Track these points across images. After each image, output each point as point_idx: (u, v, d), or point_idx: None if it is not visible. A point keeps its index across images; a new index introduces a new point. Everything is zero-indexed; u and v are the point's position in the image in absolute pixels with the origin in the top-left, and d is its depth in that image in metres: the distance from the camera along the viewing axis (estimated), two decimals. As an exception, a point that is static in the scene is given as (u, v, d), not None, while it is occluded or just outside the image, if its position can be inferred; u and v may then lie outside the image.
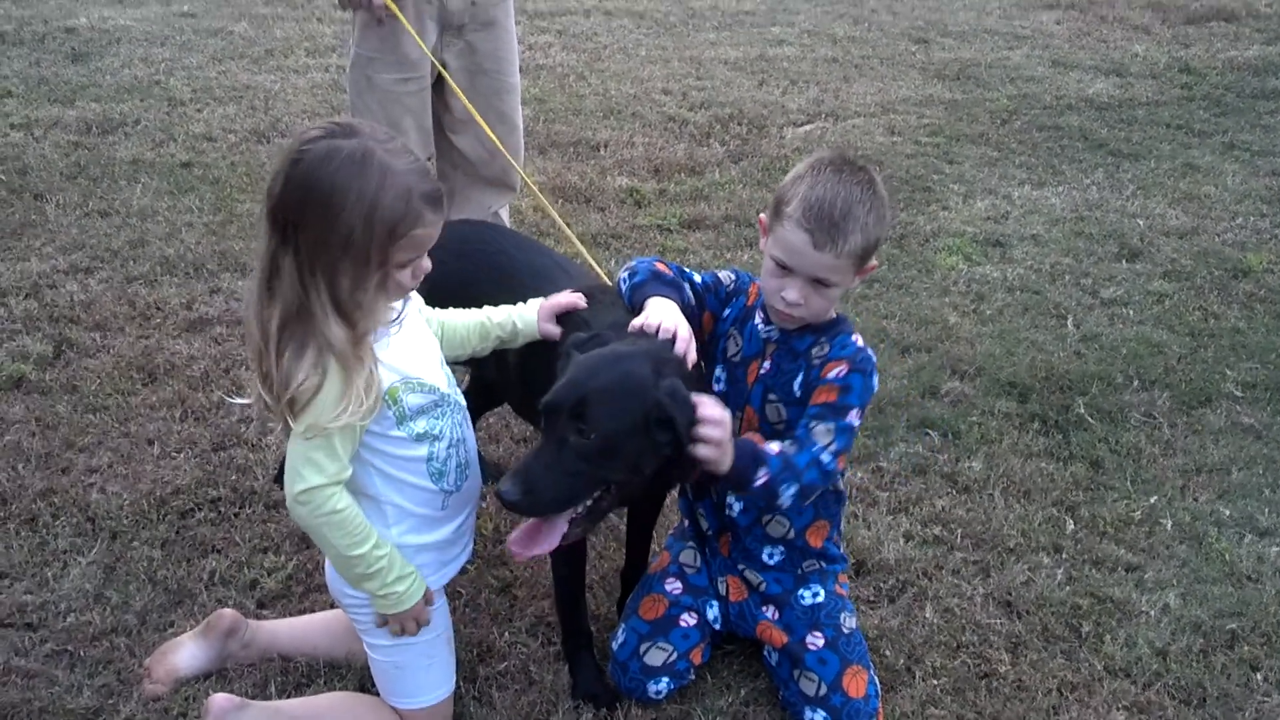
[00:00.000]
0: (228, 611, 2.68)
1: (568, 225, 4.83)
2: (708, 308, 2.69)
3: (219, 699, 2.38)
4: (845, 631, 2.67)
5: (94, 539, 3.05)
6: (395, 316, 2.26)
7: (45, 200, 4.95)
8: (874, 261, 2.52)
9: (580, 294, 2.58)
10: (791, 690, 2.63)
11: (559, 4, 8.65)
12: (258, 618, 2.81)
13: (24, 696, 2.56)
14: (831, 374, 2.50)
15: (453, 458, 2.38)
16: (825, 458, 2.44)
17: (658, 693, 2.64)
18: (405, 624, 2.36)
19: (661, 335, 2.40)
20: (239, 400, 2.37)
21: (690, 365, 2.41)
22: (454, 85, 3.66)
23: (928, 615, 2.94)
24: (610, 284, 2.77)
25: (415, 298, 2.41)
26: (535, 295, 2.61)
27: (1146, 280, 4.77)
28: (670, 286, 2.56)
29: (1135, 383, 3.98)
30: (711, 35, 8.19)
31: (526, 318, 2.57)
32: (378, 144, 2.07)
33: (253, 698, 2.59)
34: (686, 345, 2.42)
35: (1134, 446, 3.65)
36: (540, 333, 2.57)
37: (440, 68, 3.64)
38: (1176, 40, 8.50)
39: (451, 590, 2.93)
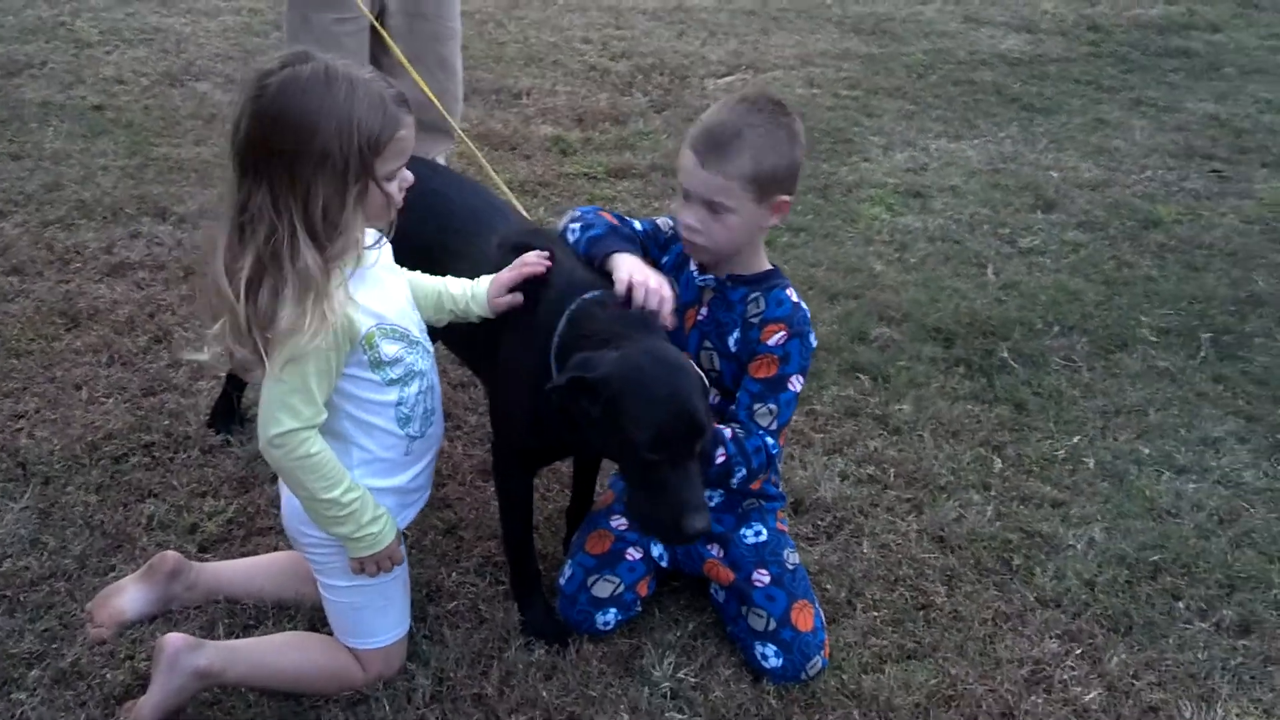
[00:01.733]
0: (170, 554, 2.64)
1: (496, 173, 4.82)
2: (648, 255, 2.71)
3: (173, 638, 2.34)
4: (789, 567, 2.73)
5: (25, 484, 2.99)
6: (371, 245, 2.23)
7: (-49, 143, 4.79)
8: (783, 196, 2.54)
9: (539, 254, 2.49)
10: (740, 626, 2.68)
11: (474, -50, 8.53)
12: (200, 561, 2.78)
13: (-40, 643, 2.52)
14: (771, 340, 2.57)
15: (420, 404, 2.37)
16: (770, 441, 2.56)
17: (606, 624, 2.68)
18: (380, 564, 2.36)
19: (649, 304, 2.41)
20: (195, 357, 2.33)
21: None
22: (386, 35, 3.61)
23: (865, 550, 3.02)
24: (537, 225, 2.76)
25: (385, 243, 2.38)
26: (470, 237, 2.58)
27: (1062, 230, 4.90)
28: (629, 241, 2.59)
29: (1055, 328, 4.10)
30: (626, -13, 8.15)
31: (479, 297, 2.50)
32: (330, 62, 2.07)
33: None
34: (670, 308, 2.46)
35: (1055, 389, 3.77)
36: (492, 309, 2.50)
37: (370, 17, 3.58)
38: (1082, -4, 8.68)
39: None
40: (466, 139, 3.68)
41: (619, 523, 2.79)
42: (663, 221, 2.78)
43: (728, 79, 6.46)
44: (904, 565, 2.98)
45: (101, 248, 4.12)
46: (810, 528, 3.11)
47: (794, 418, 3.48)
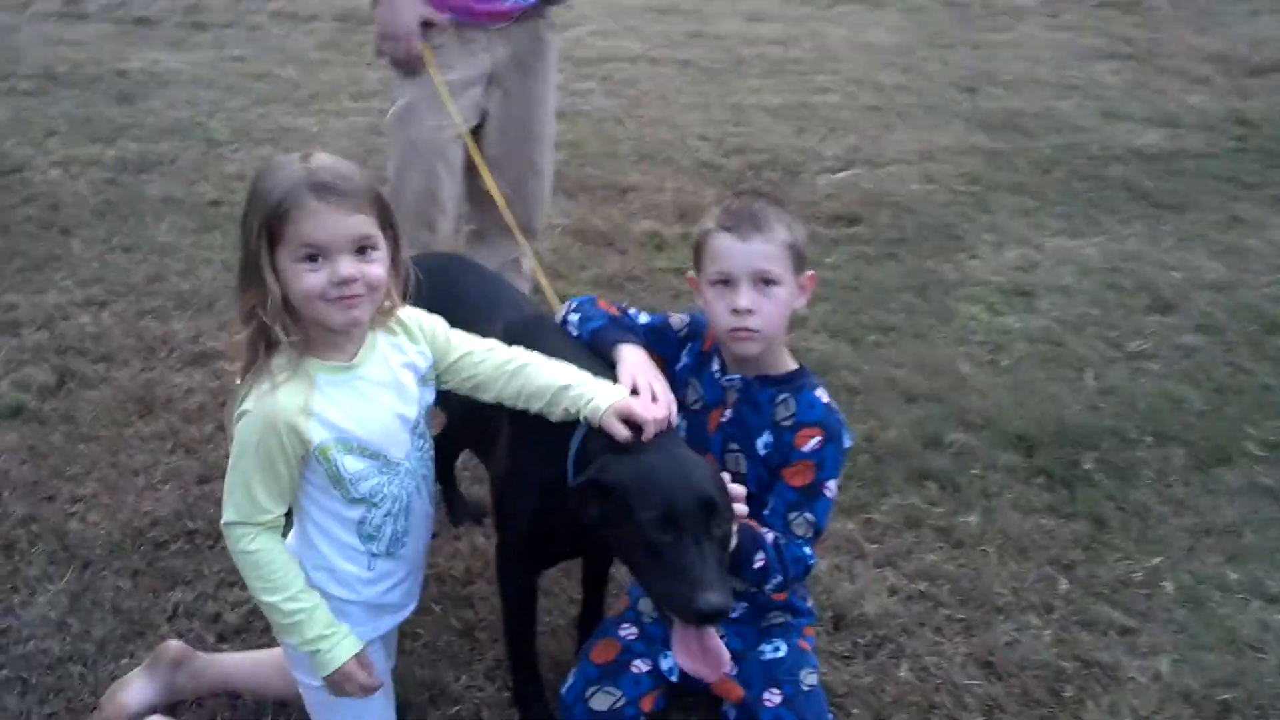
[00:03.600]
0: (174, 642, 2.65)
1: (582, 267, 4.83)
2: (654, 351, 2.63)
3: None
4: (805, 689, 2.57)
5: (66, 567, 3.05)
6: (342, 357, 2.19)
7: (71, 235, 5.03)
8: (810, 272, 2.55)
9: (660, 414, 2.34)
10: (745, 747, 2.54)
11: (607, 52, 8.68)
12: (216, 650, 2.79)
13: (-34, 724, 2.56)
14: (806, 447, 2.47)
15: (388, 525, 2.29)
16: (808, 551, 2.46)
17: None
18: (337, 685, 2.27)
19: (656, 415, 2.31)
20: None
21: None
22: (471, 142, 3.65)
23: (902, 674, 2.83)
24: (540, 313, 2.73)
25: (400, 342, 2.31)
26: (475, 322, 2.49)
27: (1176, 334, 4.61)
28: (631, 332, 2.55)
29: (1150, 438, 3.83)
30: (755, 83, 8.14)
31: (593, 411, 2.30)
32: (299, 154, 2.11)
33: (197, 735, 2.57)
34: (672, 408, 2.39)
35: (1142, 504, 3.51)
36: (604, 426, 2.29)
37: (461, 124, 3.62)
38: (1236, 92, 8.29)
39: (411, 631, 2.90)
40: (520, 238, 3.66)
41: (628, 632, 2.69)
42: (676, 319, 2.70)
43: (840, 174, 6.35)
44: (942, 691, 2.78)
45: (189, 338, 4.25)
46: (848, 646, 2.93)
47: (848, 526, 3.34)
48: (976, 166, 6.56)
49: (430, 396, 2.36)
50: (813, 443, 2.47)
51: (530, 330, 2.54)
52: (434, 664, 2.82)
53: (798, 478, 2.48)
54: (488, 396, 2.39)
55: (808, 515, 2.47)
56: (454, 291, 2.77)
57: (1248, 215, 5.92)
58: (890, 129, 7.24)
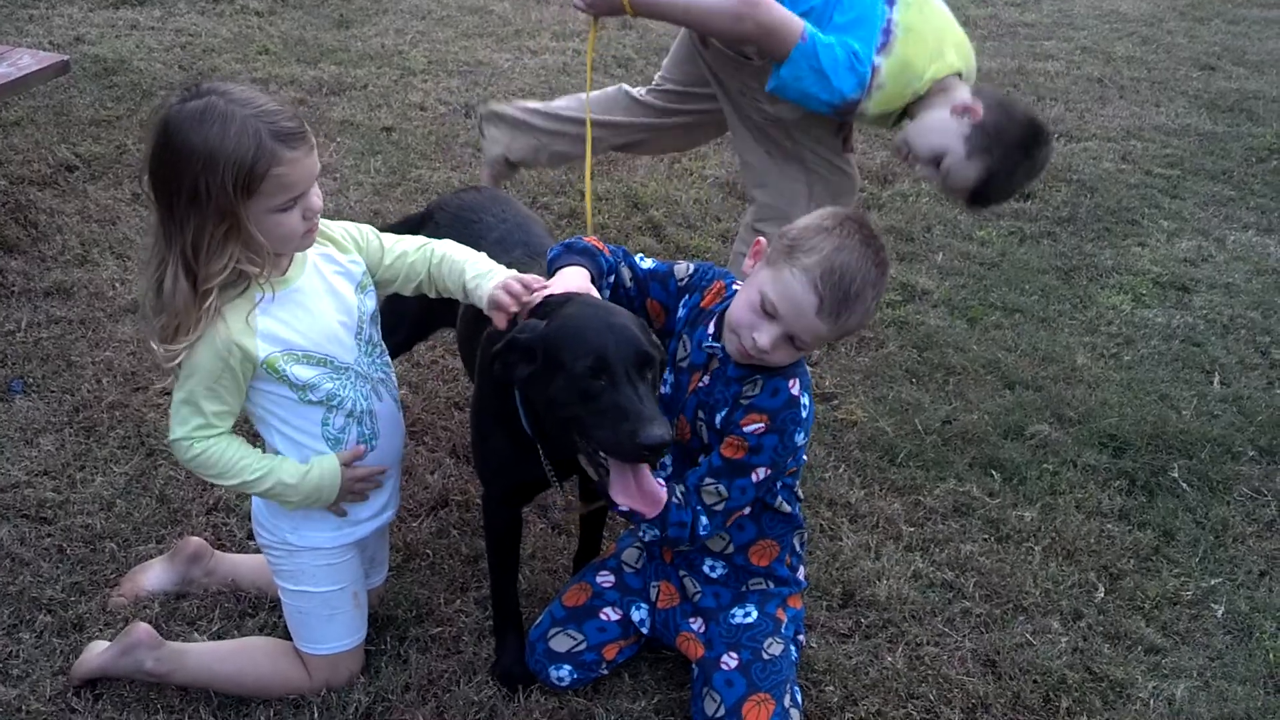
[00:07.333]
0: (194, 539, 2.84)
1: (717, 219, 4.79)
2: (651, 295, 2.60)
3: (141, 630, 2.51)
4: (765, 657, 2.52)
5: (133, 453, 3.28)
6: (276, 273, 2.25)
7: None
8: None
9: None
10: (696, 707, 2.52)
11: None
12: (241, 548, 2.97)
13: (5, 580, 2.81)
14: (747, 428, 2.41)
15: (352, 427, 2.39)
16: (703, 520, 2.41)
17: (560, 679, 2.59)
18: (352, 493, 2.42)
19: None
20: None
21: None
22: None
23: (892, 659, 2.74)
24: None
25: (329, 252, 2.39)
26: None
27: (1338, 348, 4.21)
28: (584, 255, 2.52)
29: (1255, 453, 3.53)
30: (974, 45, 7.78)
31: (481, 295, 2.42)
32: (220, 96, 2.10)
33: (199, 617, 2.75)
34: None
35: (1222, 522, 3.25)
36: (485, 308, 2.42)
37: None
38: None
39: (421, 552, 3.01)
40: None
41: (605, 579, 2.71)
42: (680, 267, 2.62)
43: (1029, 147, 6.02)
44: (928, 682, 2.69)
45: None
46: (850, 624, 2.86)
47: (894, 506, 3.25)
48: (1184, 149, 6.11)
49: (371, 304, 2.45)
50: (753, 427, 2.39)
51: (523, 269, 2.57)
52: (430, 584, 2.91)
53: (729, 449, 2.42)
54: (431, 294, 2.51)
55: (721, 488, 2.40)
56: (474, 230, 2.85)
57: None
58: (1105, 103, 6.82)
